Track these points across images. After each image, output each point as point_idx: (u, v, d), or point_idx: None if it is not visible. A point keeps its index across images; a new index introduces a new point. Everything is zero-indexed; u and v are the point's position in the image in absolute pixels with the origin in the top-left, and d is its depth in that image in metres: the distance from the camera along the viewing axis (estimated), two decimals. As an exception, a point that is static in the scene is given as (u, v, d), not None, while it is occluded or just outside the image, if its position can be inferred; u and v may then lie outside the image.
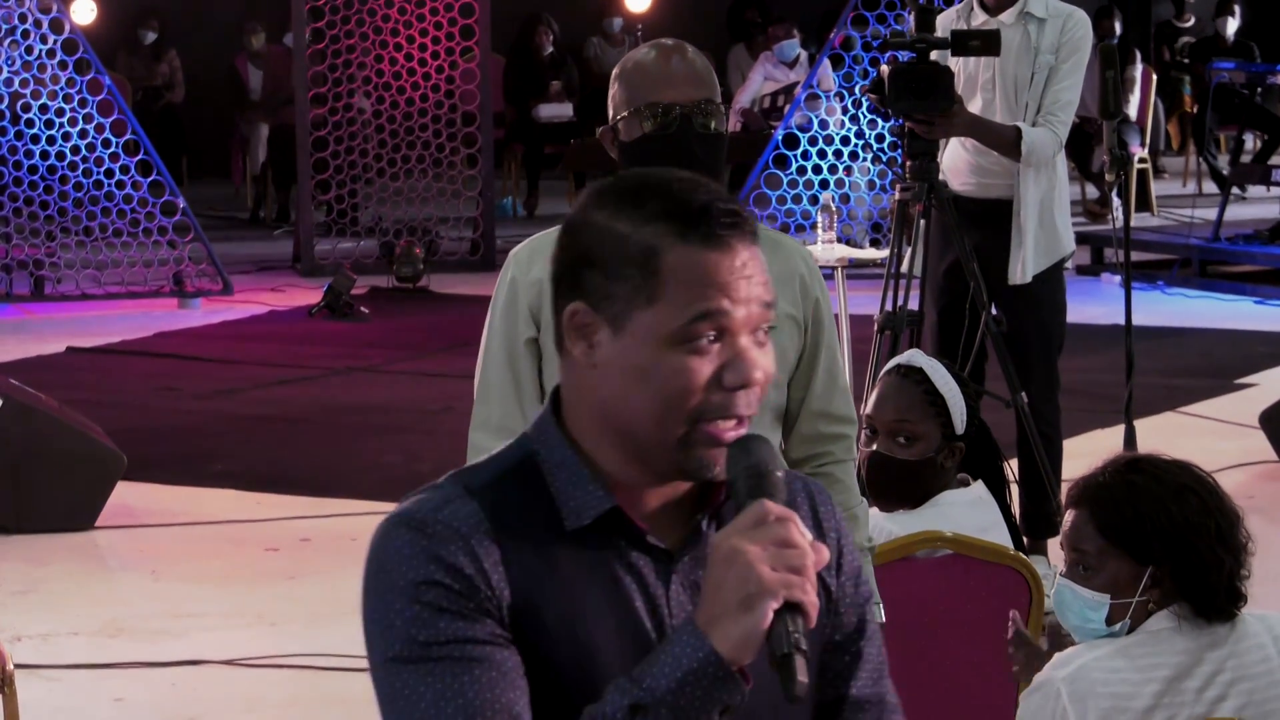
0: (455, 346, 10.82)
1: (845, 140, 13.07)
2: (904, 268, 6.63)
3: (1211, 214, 14.30)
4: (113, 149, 12.63)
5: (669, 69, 3.69)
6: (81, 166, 12.65)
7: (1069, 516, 3.38)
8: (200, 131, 18.44)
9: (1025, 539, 5.88)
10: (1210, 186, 17.41)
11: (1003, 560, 4.13)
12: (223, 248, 13.97)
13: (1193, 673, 3.30)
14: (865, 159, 13.10)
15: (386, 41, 14.14)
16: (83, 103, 12.58)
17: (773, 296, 2.21)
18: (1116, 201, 10.82)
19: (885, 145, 12.70)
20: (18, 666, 5.00)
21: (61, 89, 12.58)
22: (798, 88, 14.26)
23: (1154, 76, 17.10)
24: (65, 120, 12.59)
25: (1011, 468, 5.03)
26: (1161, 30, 20.83)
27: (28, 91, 12.55)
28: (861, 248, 11.69)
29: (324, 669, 6.15)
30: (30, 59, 12.52)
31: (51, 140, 12.63)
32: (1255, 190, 16.27)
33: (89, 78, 12.60)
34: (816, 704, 2.34)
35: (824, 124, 13.12)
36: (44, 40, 12.52)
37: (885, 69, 6.49)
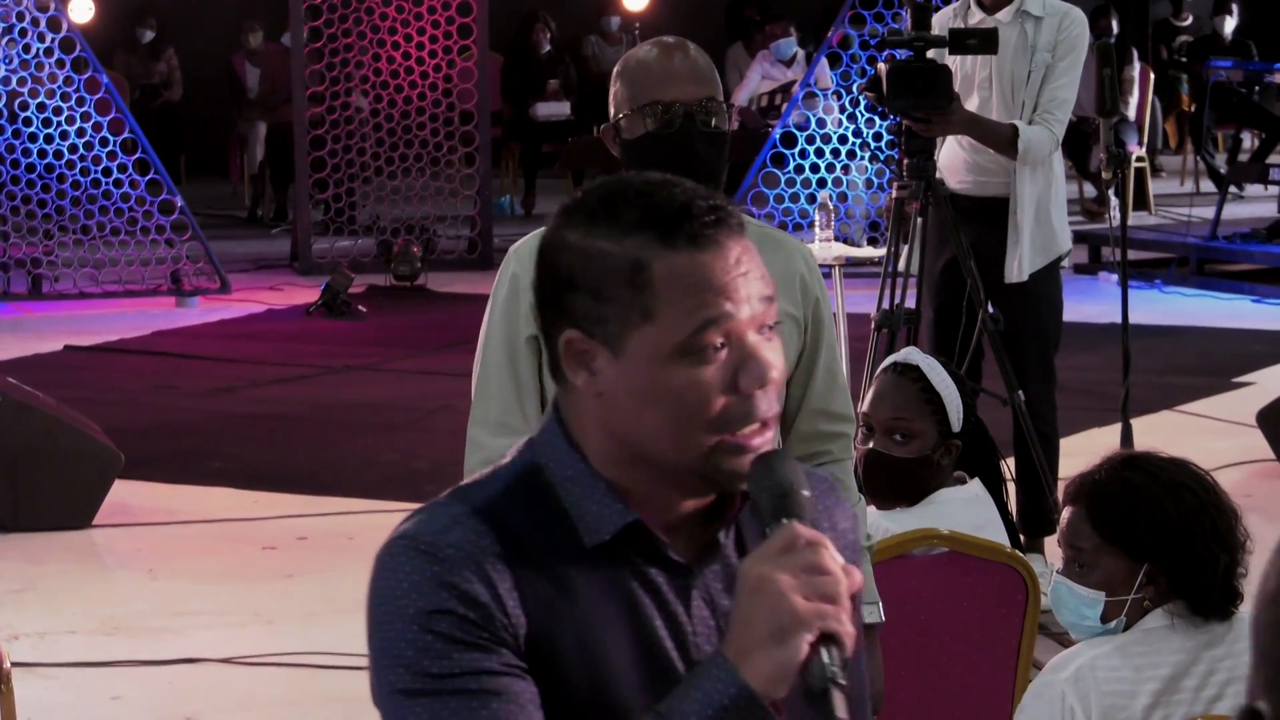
0: (453, 345, 10.81)
1: (843, 139, 13.07)
2: (901, 266, 6.63)
3: (1209, 212, 14.28)
4: (110, 148, 12.63)
5: (671, 67, 3.68)
6: (79, 165, 12.64)
7: (1065, 513, 3.37)
8: (198, 130, 18.45)
9: (1022, 537, 5.89)
10: (1208, 185, 17.41)
11: (999, 558, 4.13)
12: (220, 246, 13.96)
13: (1191, 671, 3.29)
14: (863, 157, 13.10)
15: (384, 40, 14.14)
16: (80, 101, 12.58)
17: (773, 289, 2.10)
18: (1114, 200, 10.81)
19: (883, 144, 12.68)
20: (15, 664, 5.00)
21: (59, 87, 12.57)
22: (795, 86, 14.26)
23: (1151, 75, 17.11)
24: (63, 119, 12.59)
25: (1008, 465, 5.02)
26: (1159, 28, 20.83)
27: (25, 90, 12.55)
28: (859, 246, 11.69)
29: (321, 667, 6.15)
30: (28, 57, 12.51)
31: (49, 139, 12.62)
32: (1253, 189, 16.26)
33: (87, 76, 12.60)
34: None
35: (821, 122, 13.12)
36: (42, 39, 12.51)
37: (883, 67, 6.48)
